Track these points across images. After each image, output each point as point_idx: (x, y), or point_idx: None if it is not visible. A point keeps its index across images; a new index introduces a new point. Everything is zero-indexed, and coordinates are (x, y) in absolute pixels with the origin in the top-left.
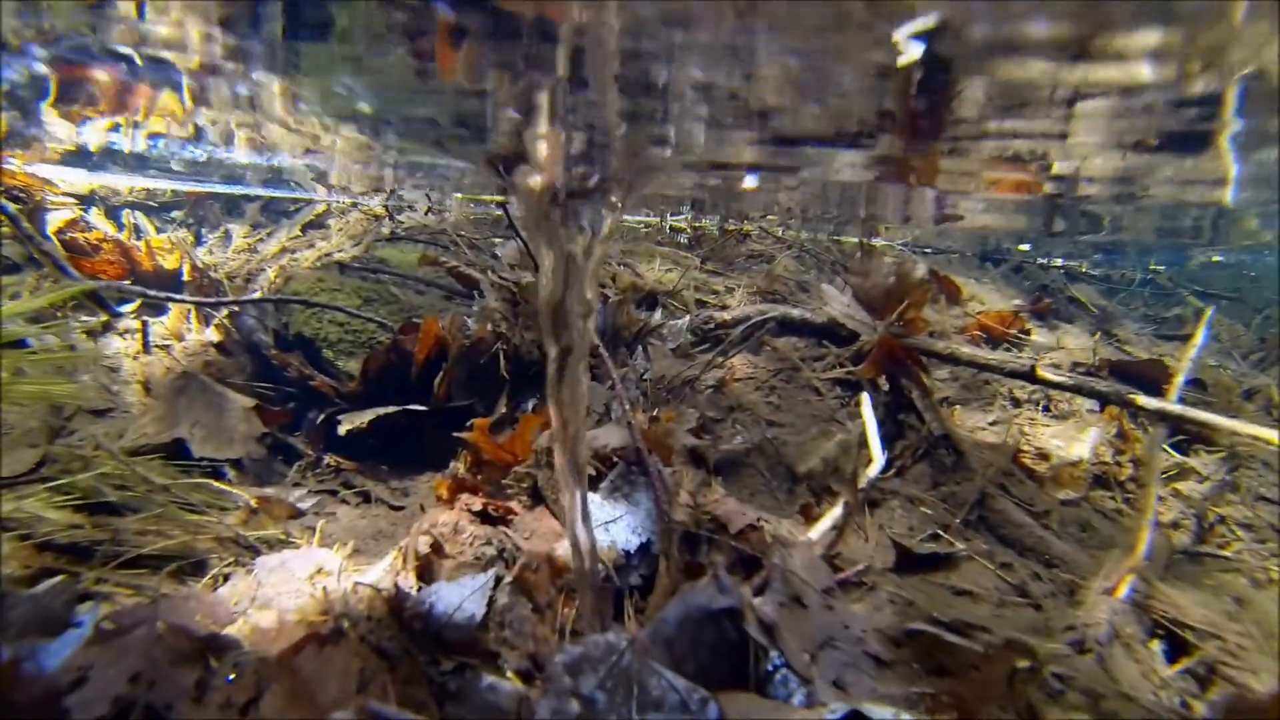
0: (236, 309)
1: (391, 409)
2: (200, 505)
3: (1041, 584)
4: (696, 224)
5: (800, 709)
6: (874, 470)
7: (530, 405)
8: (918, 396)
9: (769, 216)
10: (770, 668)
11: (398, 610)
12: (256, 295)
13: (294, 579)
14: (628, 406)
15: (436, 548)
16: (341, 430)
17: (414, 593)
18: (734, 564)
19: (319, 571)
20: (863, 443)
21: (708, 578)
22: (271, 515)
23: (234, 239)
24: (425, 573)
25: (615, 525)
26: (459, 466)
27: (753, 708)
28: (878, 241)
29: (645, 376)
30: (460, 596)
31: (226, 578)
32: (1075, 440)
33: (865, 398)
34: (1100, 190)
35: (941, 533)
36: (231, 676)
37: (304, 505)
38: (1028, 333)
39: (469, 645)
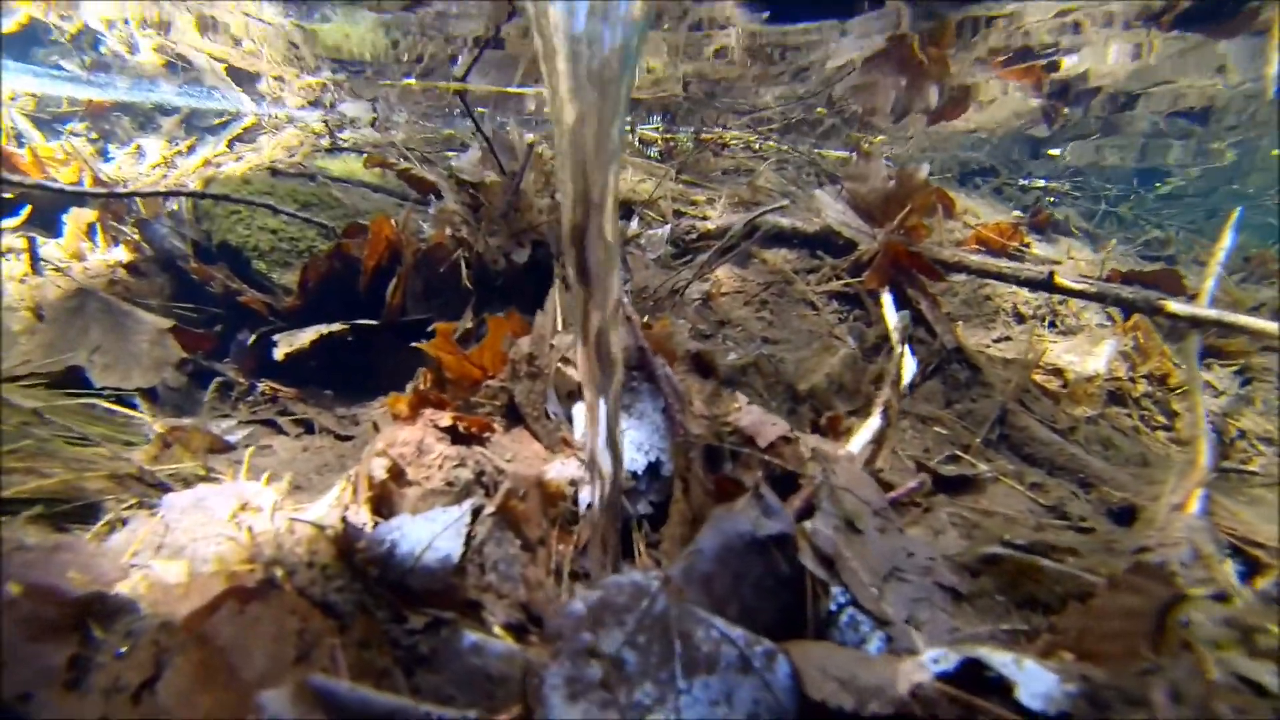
0: (146, 217)
1: (336, 326)
2: (96, 439)
3: (1080, 504)
4: (669, 135)
5: (886, 657)
6: (907, 378)
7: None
8: (927, 308)
9: (750, 127)
10: (833, 607)
11: (348, 552)
12: (164, 188)
13: (212, 520)
14: (626, 300)
15: (397, 473)
16: (278, 354)
17: (369, 529)
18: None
19: (244, 509)
20: (869, 349)
21: (747, 498)
22: (188, 448)
23: (148, 154)
24: (383, 505)
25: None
26: (418, 386)
27: (831, 660)
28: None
29: (626, 288)
30: (430, 532)
31: (125, 523)
32: (1089, 355)
33: (887, 298)
34: (1110, 84)
35: (961, 453)
36: (122, 649)
37: (232, 438)
38: (1027, 246)
39: (444, 594)
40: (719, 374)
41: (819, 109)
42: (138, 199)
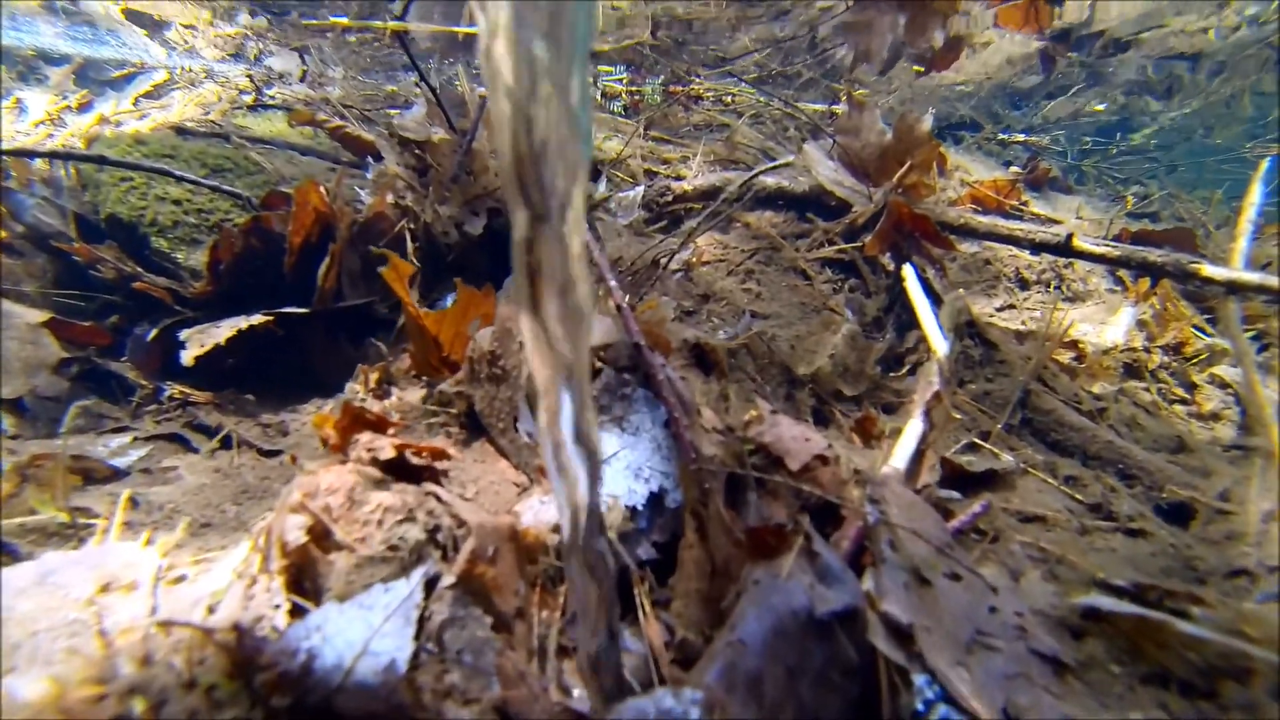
0: (11, 185)
1: (258, 318)
2: None
3: (1125, 502)
4: (635, 88)
5: None
6: (935, 365)
7: (449, 302)
8: (935, 277)
9: (725, 78)
10: (920, 706)
11: (246, 667)
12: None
13: (64, 605)
14: (613, 282)
15: (321, 533)
16: (186, 358)
17: (279, 623)
18: (796, 517)
19: (105, 590)
20: (869, 324)
21: (794, 556)
22: (49, 485)
23: (29, 110)
24: (304, 577)
25: (609, 467)
26: (358, 389)
27: None
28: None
29: (591, 261)
30: (365, 627)
31: None
32: (1104, 324)
33: (909, 270)
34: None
35: (980, 441)
36: None
37: (123, 460)
38: (1026, 204)
39: (386, 718)
40: (724, 369)
41: (799, 63)
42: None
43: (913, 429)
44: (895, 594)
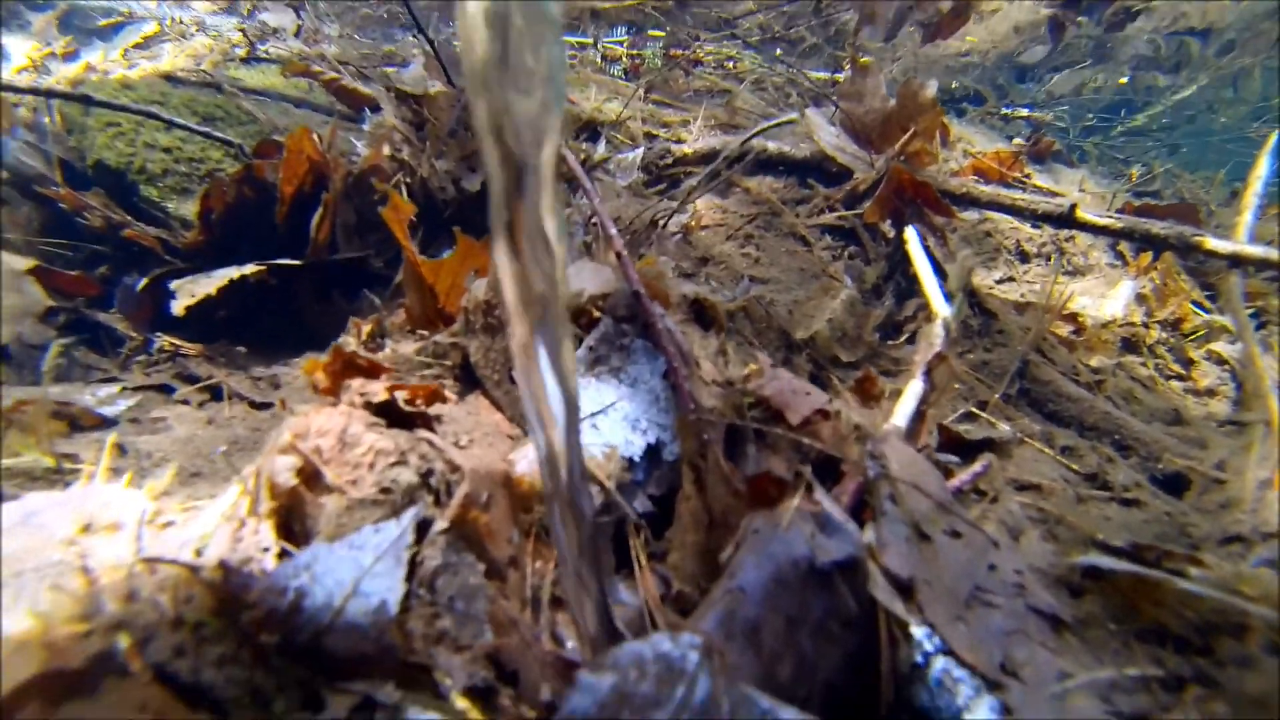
0: None
1: (250, 268)
2: None
3: (1120, 470)
4: (635, 51)
5: None
6: (940, 324)
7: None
8: (935, 245)
9: (728, 40)
10: (919, 658)
11: (232, 605)
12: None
13: (48, 547)
14: (613, 230)
15: (310, 475)
16: (176, 307)
17: (267, 565)
18: (795, 474)
19: (86, 530)
20: (868, 291)
21: (794, 506)
22: (32, 429)
23: (10, 57)
24: (293, 520)
25: (606, 418)
26: (351, 342)
27: None
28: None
29: (592, 220)
30: (355, 568)
31: None
32: (1104, 298)
33: (911, 233)
34: None
35: (978, 410)
36: None
37: (111, 409)
38: (1029, 176)
39: (377, 658)
40: (723, 324)
41: (803, 27)
42: None
43: (913, 389)
44: (896, 547)
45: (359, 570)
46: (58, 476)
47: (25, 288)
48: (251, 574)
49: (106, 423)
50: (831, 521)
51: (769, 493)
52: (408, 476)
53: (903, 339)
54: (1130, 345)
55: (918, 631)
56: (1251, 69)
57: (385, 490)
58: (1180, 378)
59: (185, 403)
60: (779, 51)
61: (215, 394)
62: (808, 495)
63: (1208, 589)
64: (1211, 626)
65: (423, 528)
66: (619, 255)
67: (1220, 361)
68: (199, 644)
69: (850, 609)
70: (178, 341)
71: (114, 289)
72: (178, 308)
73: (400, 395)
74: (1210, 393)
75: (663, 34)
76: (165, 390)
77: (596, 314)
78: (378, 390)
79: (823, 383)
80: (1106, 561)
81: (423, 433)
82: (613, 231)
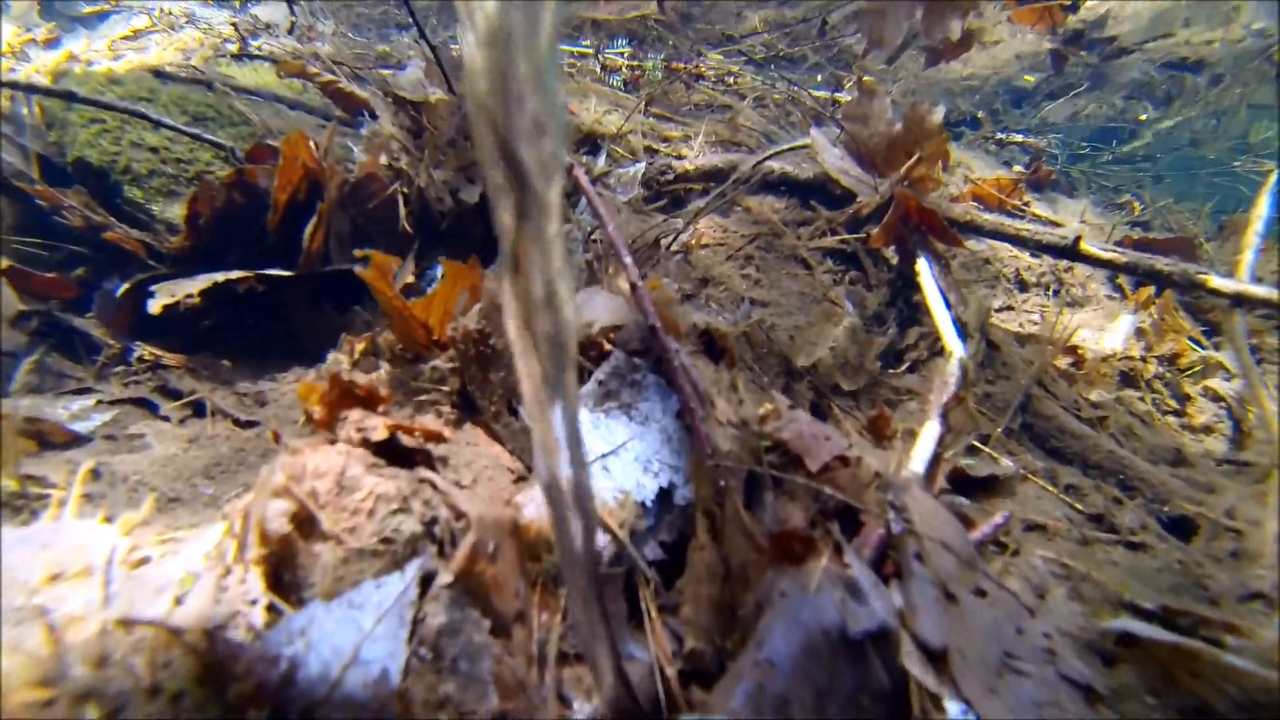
0: None
1: (236, 274)
2: None
3: (1127, 513)
4: (636, 63)
5: None
6: (955, 363)
7: (439, 272)
8: (939, 273)
9: (730, 56)
10: None
11: (218, 673)
12: None
13: (10, 592)
14: (628, 259)
15: (305, 521)
16: (153, 306)
17: (258, 626)
18: (813, 521)
19: (54, 579)
20: (870, 318)
21: (823, 567)
22: (4, 450)
23: None
24: (282, 570)
25: (617, 459)
26: (342, 359)
27: None
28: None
29: (594, 236)
30: (354, 631)
31: None
32: (1103, 331)
33: (924, 264)
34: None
35: (980, 445)
36: None
37: (85, 425)
38: (1027, 204)
39: None
40: (734, 358)
41: (806, 46)
42: None
43: (930, 431)
44: (926, 612)
45: (359, 633)
46: (23, 503)
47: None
48: (240, 642)
49: (79, 440)
50: (862, 584)
51: (795, 550)
52: (410, 525)
53: (904, 367)
54: (1128, 379)
55: (952, 707)
56: (1238, 104)
57: (386, 540)
58: (1176, 413)
59: (166, 419)
60: (778, 72)
61: (198, 410)
62: (837, 554)
63: (1250, 663)
64: (1257, 705)
65: (425, 580)
66: (634, 287)
67: (1216, 398)
68: (178, 717)
69: (882, 681)
70: (159, 351)
71: (92, 292)
72: (154, 306)
73: (402, 435)
74: (1206, 429)
75: (666, 47)
76: (144, 405)
77: (607, 346)
78: (377, 426)
79: (824, 411)
80: (1140, 627)
81: (424, 472)
82: (627, 260)
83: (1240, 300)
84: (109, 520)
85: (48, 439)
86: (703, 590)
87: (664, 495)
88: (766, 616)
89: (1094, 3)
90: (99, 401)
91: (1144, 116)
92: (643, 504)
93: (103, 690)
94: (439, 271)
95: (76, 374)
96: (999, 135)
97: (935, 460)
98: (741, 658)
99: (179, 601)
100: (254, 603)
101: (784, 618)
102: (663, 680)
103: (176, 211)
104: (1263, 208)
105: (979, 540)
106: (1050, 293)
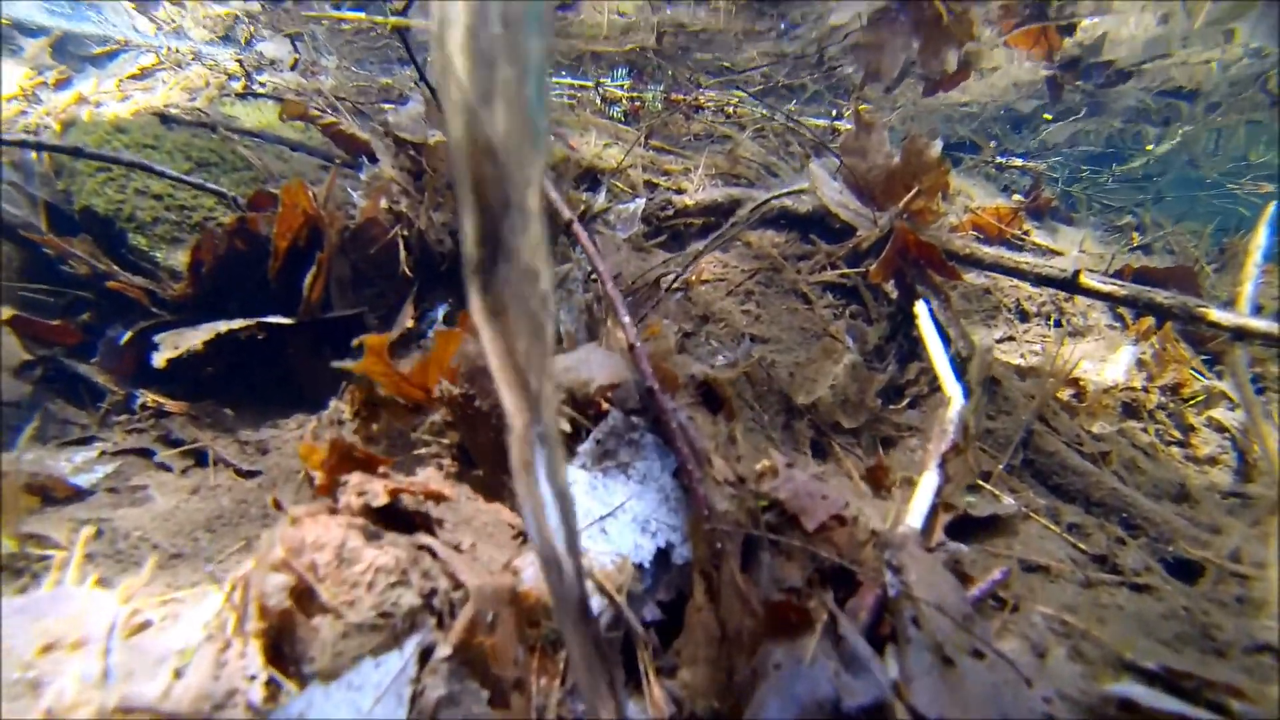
0: None
1: (238, 323)
2: None
3: (1131, 554)
4: (635, 94)
5: None
6: (954, 411)
7: (440, 313)
8: (939, 307)
9: (727, 88)
10: None
11: None
12: None
13: (6, 665)
14: (626, 318)
15: (304, 594)
16: (158, 360)
17: (257, 704)
18: (809, 581)
19: (49, 649)
20: (870, 353)
21: (817, 639)
22: (2, 510)
23: (2, 83)
24: (283, 645)
25: (615, 520)
26: (343, 408)
27: None
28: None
29: (593, 276)
30: (354, 711)
31: None
32: (1105, 362)
33: (922, 307)
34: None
35: (981, 482)
36: None
37: (87, 478)
38: (1027, 233)
39: None
40: (733, 410)
41: (805, 76)
42: None
43: (928, 482)
44: (922, 682)
45: (357, 713)
46: (24, 564)
47: (2, 339)
48: None
49: (81, 494)
50: (857, 656)
51: (790, 619)
52: (409, 599)
53: (905, 403)
54: (1130, 410)
55: None
56: (1235, 127)
57: (385, 614)
58: (1180, 444)
59: (168, 469)
60: (778, 102)
61: (200, 459)
62: (831, 625)
63: None
64: None
65: (424, 654)
66: (632, 347)
67: (1220, 429)
68: None
69: None
70: (161, 399)
71: (96, 337)
72: (158, 360)
73: (403, 498)
74: (1211, 461)
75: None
76: (146, 454)
77: (605, 405)
78: (378, 491)
79: (824, 449)
80: (1142, 694)
81: (423, 538)
82: (625, 320)
83: (1241, 334)
84: (108, 586)
85: (50, 494)
86: (700, 653)
87: (662, 555)
88: (761, 688)
89: (1090, 23)
90: (102, 452)
91: (1150, 147)
92: (640, 565)
93: None
94: (439, 313)
95: (80, 420)
96: (999, 159)
97: (933, 511)
98: None
99: (178, 674)
100: (253, 678)
101: (779, 690)
102: None
103: (179, 258)
104: (1261, 238)
105: (977, 597)
106: (1051, 322)
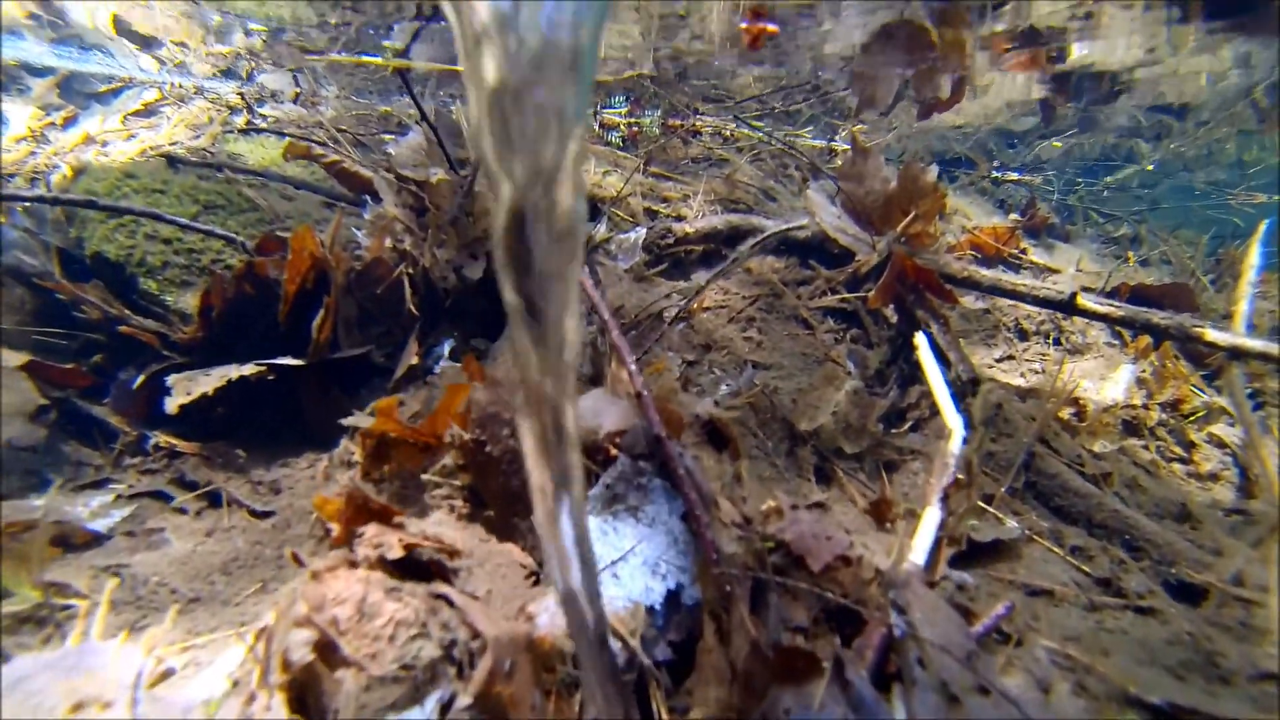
0: None
1: (249, 369)
2: None
3: (1134, 577)
4: (633, 120)
5: None
6: (955, 443)
7: (446, 348)
8: (939, 331)
9: (724, 114)
10: None
11: None
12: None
13: (38, 714)
14: (632, 366)
15: (327, 647)
16: (171, 405)
17: None
18: (815, 619)
19: (80, 705)
20: (871, 377)
21: (825, 684)
22: (25, 560)
23: (10, 124)
24: (307, 698)
25: (626, 565)
26: (353, 449)
27: None
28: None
29: (594, 310)
30: None
31: None
32: (1104, 381)
33: (922, 339)
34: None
35: (985, 505)
36: None
37: (105, 522)
38: (1024, 252)
39: None
40: (738, 447)
41: (801, 101)
42: None
43: (931, 517)
44: None
45: None
46: (47, 613)
47: (18, 386)
48: None
49: (99, 539)
50: (864, 703)
51: (798, 665)
52: (430, 651)
53: (906, 426)
54: (1131, 428)
55: None
56: (1226, 139)
57: (407, 667)
58: (1182, 460)
59: (183, 511)
60: (775, 125)
61: (214, 500)
62: (838, 671)
63: None
64: None
65: (445, 706)
66: (639, 395)
67: (1221, 445)
68: None
69: None
70: (173, 440)
71: (108, 380)
72: (171, 406)
73: (419, 547)
74: (1213, 477)
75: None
76: (161, 496)
77: (613, 451)
78: (394, 544)
79: (827, 475)
80: None
81: (440, 588)
82: (632, 367)
83: (1237, 353)
84: (132, 636)
85: (69, 541)
86: (711, 693)
87: (672, 596)
88: None
89: (1081, 54)
90: (117, 496)
91: (1150, 166)
92: (651, 608)
93: None
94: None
95: (94, 461)
96: (995, 174)
97: (936, 545)
98: None
99: None
100: None
101: None
102: None
103: (189, 301)
104: (1254, 257)
105: (981, 634)
106: (1050, 341)
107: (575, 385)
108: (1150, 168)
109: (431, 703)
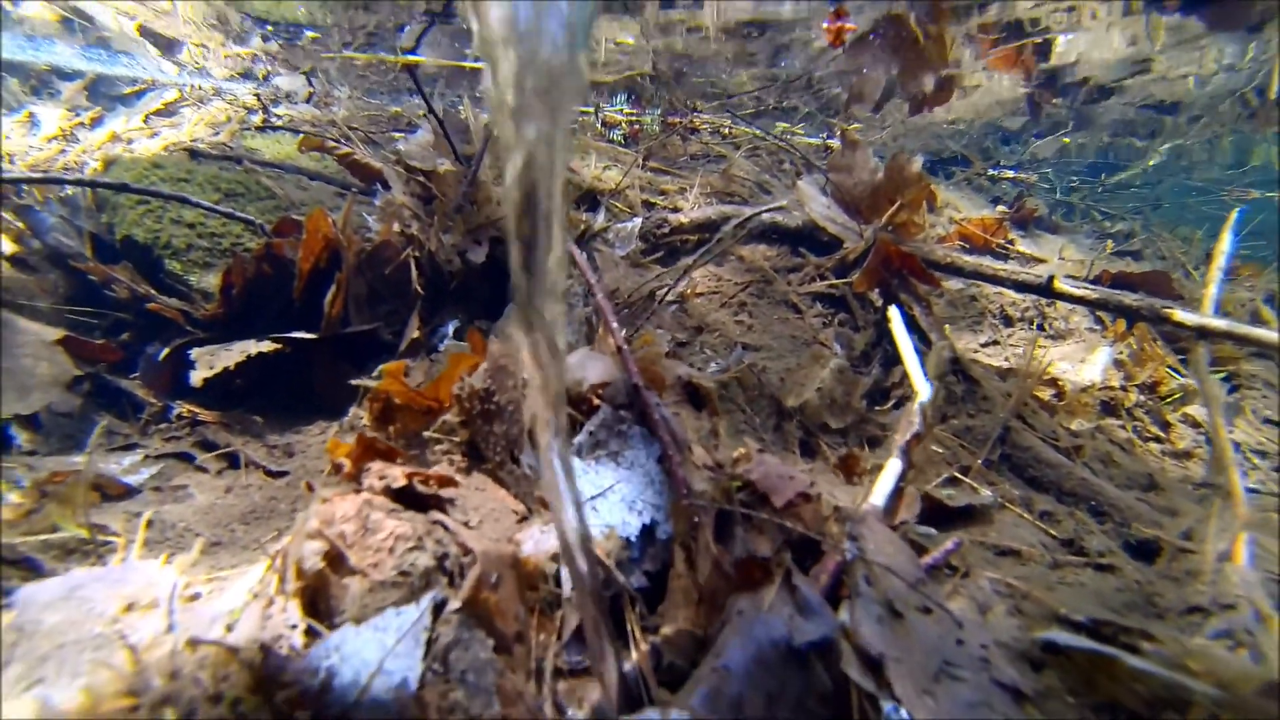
0: (31, 202)
1: (266, 345)
2: None
3: (1096, 538)
4: (634, 118)
5: None
6: (917, 407)
7: (451, 328)
8: (920, 314)
9: (721, 111)
10: None
11: (268, 683)
12: (41, 174)
13: (90, 619)
14: (615, 324)
15: (335, 558)
16: (195, 379)
17: (298, 647)
18: (779, 551)
19: (129, 609)
20: (856, 358)
21: (775, 589)
22: (69, 502)
23: (43, 124)
24: (319, 599)
25: (605, 500)
26: (361, 414)
27: None
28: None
29: (607, 300)
30: (379, 647)
31: None
32: (1083, 363)
33: (895, 312)
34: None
35: (961, 476)
36: None
37: (135, 478)
38: (1012, 243)
39: None
40: (715, 405)
41: (796, 98)
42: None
43: (892, 468)
44: (869, 626)
45: (383, 650)
46: (91, 548)
47: (55, 358)
48: (286, 656)
49: (131, 491)
50: (809, 604)
51: (754, 576)
52: (424, 560)
53: (890, 404)
54: (1110, 408)
55: (887, 705)
56: (1222, 137)
57: (404, 573)
58: (1158, 440)
59: (205, 470)
60: (771, 122)
61: (233, 461)
62: (788, 579)
63: (1155, 666)
64: (1160, 701)
65: (438, 607)
66: (619, 349)
67: (1195, 424)
68: (237, 719)
69: (825, 685)
70: (195, 409)
71: (135, 355)
72: (196, 379)
73: (417, 481)
74: (1187, 454)
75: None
76: (185, 458)
77: (596, 401)
78: (397, 475)
79: (813, 449)
80: (1065, 638)
81: (437, 515)
82: (614, 325)
83: (1203, 333)
84: (169, 561)
85: (105, 491)
86: (679, 613)
87: (648, 531)
88: (725, 632)
89: (1065, 46)
90: (146, 456)
91: (1153, 162)
92: (628, 539)
93: (176, 698)
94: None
95: (123, 429)
96: (990, 172)
97: (898, 492)
98: (702, 665)
99: (230, 629)
100: (294, 627)
101: (740, 632)
102: (646, 691)
103: (211, 281)
104: (1225, 244)
105: (931, 564)
106: (1034, 326)
107: (563, 337)
108: (1152, 164)
109: (426, 600)
